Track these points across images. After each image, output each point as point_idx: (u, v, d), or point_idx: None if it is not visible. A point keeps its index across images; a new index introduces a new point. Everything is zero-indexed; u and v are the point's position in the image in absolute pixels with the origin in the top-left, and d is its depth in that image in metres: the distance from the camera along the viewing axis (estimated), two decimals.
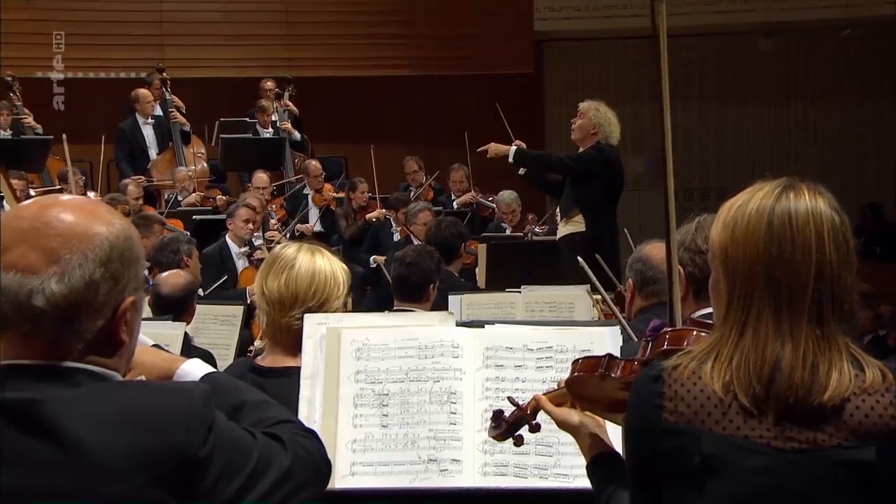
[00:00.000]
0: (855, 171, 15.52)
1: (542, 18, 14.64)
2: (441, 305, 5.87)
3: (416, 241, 9.72)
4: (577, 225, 8.17)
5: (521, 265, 8.12)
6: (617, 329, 2.95)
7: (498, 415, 2.45)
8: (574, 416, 2.33)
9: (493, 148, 8.46)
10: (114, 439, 1.78)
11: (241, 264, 8.87)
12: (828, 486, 1.95)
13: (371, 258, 10.41)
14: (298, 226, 10.88)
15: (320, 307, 3.21)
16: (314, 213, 11.26)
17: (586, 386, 2.29)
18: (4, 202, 8.25)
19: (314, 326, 2.96)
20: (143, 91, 11.92)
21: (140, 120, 11.90)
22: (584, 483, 2.51)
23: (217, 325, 6.01)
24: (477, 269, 8.32)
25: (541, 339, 2.93)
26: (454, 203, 11.37)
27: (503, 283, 7.16)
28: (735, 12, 14.44)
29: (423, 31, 14.49)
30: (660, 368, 2.02)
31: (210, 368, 2.27)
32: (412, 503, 2.78)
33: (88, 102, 13.20)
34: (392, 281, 5.52)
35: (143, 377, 2.08)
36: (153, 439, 1.80)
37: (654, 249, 3.85)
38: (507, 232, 10.15)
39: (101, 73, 13.86)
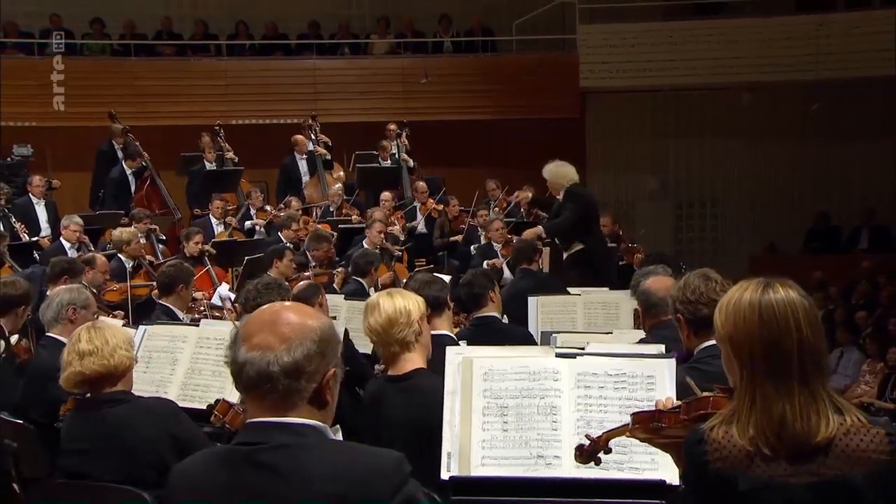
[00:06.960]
0: (809, 189, 15.17)
1: (585, 77, 14.42)
2: (522, 302, 5.79)
3: (494, 244, 9.58)
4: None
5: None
6: (672, 361, 2.88)
7: (580, 447, 2.39)
8: None
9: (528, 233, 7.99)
10: (330, 488, 1.78)
11: None
12: None
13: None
14: (409, 223, 10.86)
15: (407, 324, 3.27)
16: (420, 218, 11.21)
17: (642, 432, 2.24)
18: None
19: (453, 355, 2.94)
20: (299, 137, 11.97)
21: (297, 156, 11.97)
22: (650, 475, 2.46)
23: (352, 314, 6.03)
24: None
25: (617, 367, 2.88)
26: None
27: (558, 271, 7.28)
28: (725, 74, 14.14)
29: (500, 87, 14.32)
30: (701, 432, 2.00)
31: None
32: (525, 488, 2.76)
33: (268, 141, 13.19)
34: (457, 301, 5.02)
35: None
36: (357, 489, 1.78)
37: (652, 284, 3.88)
38: None
39: (273, 119, 13.96)
